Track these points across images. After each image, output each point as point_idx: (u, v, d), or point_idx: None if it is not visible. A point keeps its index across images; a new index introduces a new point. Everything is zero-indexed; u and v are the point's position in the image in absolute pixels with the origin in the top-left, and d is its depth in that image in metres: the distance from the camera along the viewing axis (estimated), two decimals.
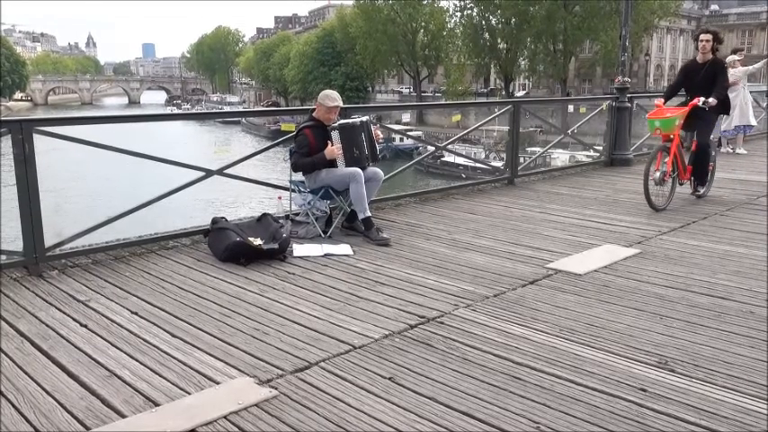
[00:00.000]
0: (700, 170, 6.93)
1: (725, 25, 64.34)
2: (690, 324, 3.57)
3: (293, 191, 5.78)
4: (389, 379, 2.93)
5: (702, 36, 6.85)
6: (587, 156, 16.71)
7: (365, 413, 2.63)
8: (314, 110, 5.63)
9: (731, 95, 10.78)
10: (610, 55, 44.26)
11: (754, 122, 11.18)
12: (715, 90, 6.61)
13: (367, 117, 5.78)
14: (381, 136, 5.99)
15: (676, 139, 6.51)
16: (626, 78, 9.58)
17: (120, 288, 4.20)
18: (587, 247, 5.15)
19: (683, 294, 4.06)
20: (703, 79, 6.74)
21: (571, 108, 11.59)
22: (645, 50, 54.84)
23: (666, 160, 6.47)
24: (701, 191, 7.18)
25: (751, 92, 11.35)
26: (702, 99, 6.53)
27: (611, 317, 3.68)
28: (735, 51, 11.40)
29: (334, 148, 5.39)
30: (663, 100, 6.84)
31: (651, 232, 5.64)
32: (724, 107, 7.00)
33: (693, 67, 6.98)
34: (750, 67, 11.11)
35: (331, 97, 5.55)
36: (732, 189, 7.70)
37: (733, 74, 10.82)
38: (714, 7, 66.88)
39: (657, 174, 6.37)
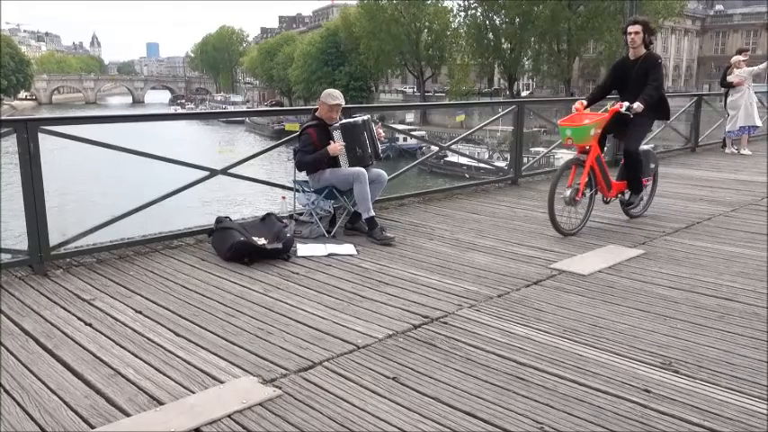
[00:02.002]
0: (633, 183, 5.96)
1: (730, 25, 64.38)
2: (694, 325, 3.56)
3: (297, 191, 5.79)
4: (393, 379, 2.93)
5: (630, 28, 5.80)
6: None
7: (369, 413, 2.63)
8: (317, 109, 5.64)
9: (736, 96, 10.85)
10: (614, 55, 44.12)
11: (759, 123, 11.15)
12: (643, 92, 5.63)
13: (368, 116, 5.78)
14: (383, 135, 5.99)
15: (593, 150, 5.51)
16: None
17: (124, 287, 4.21)
18: (591, 248, 5.15)
19: (688, 295, 4.05)
20: (636, 79, 5.78)
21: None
22: None
23: (581, 176, 5.53)
24: (633, 209, 6.18)
25: (756, 92, 11.30)
26: (626, 104, 5.57)
27: (614, 317, 3.68)
28: (740, 52, 11.36)
29: (337, 145, 5.39)
30: (585, 103, 5.87)
31: (655, 233, 5.63)
32: (661, 112, 5.99)
33: (625, 65, 5.98)
34: (755, 68, 11.07)
35: (333, 96, 5.56)
36: (736, 190, 7.68)
37: (738, 74, 10.82)
38: (719, 7, 66.81)
39: (568, 192, 5.39)
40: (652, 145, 6.49)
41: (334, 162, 5.48)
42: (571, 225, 5.55)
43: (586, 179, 5.49)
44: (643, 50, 5.80)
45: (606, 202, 5.94)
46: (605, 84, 6.19)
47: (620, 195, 5.99)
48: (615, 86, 6.06)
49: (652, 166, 6.20)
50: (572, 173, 5.54)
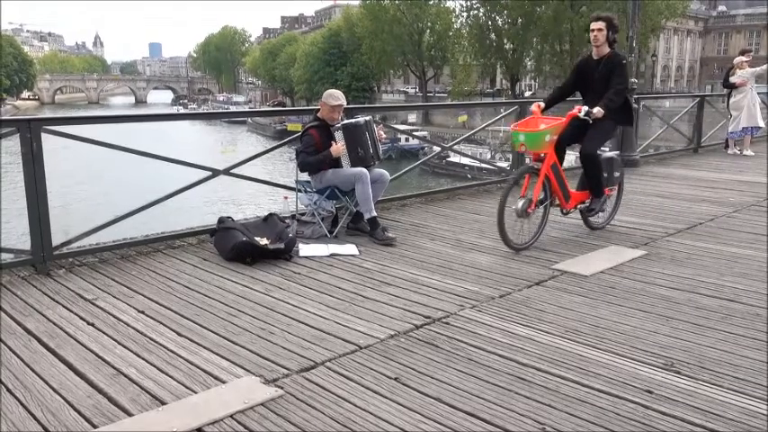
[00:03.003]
0: (593, 187, 5.46)
1: (732, 26, 64.29)
2: (696, 326, 3.56)
3: (299, 191, 5.79)
4: (395, 379, 2.93)
5: (593, 25, 5.33)
6: None
7: (371, 413, 2.63)
8: (318, 110, 5.65)
9: (739, 97, 10.84)
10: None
11: (761, 124, 11.13)
12: (605, 96, 5.17)
13: (370, 117, 5.79)
14: (384, 136, 5.99)
15: (549, 158, 5.09)
16: (633, 79, 9.54)
17: (126, 287, 4.22)
18: (593, 248, 5.14)
19: (690, 296, 4.04)
20: (599, 80, 5.33)
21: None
22: (652, 51, 54.67)
23: (534, 186, 5.07)
24: (593, 218, 5.68)
25: (758, 93, 11.28)
26: (584, 109, 5.11)
27: (616, 318, 3.68)
28: (743, 52, 11.35)
29: (339, 147, 5.40)
30: (542, 105, 5.45)
31: (658, 233, 5.62)
32: (624, 117, 5.49)
33: (587, 65, 5.49)
34: (758, 69, 11.05)
35: (334, 96, 5.57)
36: (739, 191, 7.67)
37: (741, 75, 10.81)
38: (722, 8, 66.70)
39: (521, 203, 4.93)
40: (617, 152, 6.09)
41: (336, 162, 5.48)
42: (523, 239, 5.09)
43: (541, 189, 5.08)
44: (607, 49, 5.34)
45: (564, 214, 5.47)
46: (566, 84, 5.73)
47: (580, 204, 5.52)
48: (577, 87, 5.63)
49: (617, 174, 5.71)
50: (525, 182, 5.09)
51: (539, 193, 5.05)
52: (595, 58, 5.40)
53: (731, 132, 11.17)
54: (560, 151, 5.28)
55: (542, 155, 5.11)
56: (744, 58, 10.99)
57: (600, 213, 5.65)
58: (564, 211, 5.43)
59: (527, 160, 9.39)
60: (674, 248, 5.17)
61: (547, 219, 5.28)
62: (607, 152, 5.89)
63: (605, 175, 5.49)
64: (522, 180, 5.13)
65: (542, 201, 5.17)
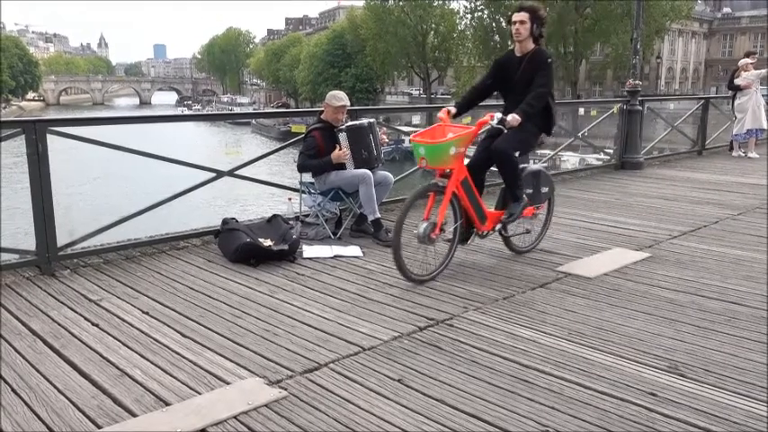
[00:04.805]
0: (509, 188, 4.74)
1: (737, 28, 64.13)
2: (700, 329, 3.55)
3: (303, 192, 5.80)
4: (398, 381, 2.94)
5: (514, 16, 4.59)
6: (597, 159, 16.66)
7: (374, 414, 2.63)
8: (322, 112, 5.66)
9: (743, 99, 10.81)
10: (621, 58, 44.12)
11: (766, 126, 11.10)
12: (525, 100, 4.45)
13: (373, 119, 5.79)
14: (387, 140, 5.99)
15: (457, 173, 4.33)
16: (637, 81, 9.55)
17: (131, 288, 4.23)
18: (597, 251, 5.14)
19: (694, 299, 4.04)
20: (521, 80, 4.60)
21: (582, 111, 11.58)
22: (656, 53, 54.63)
23: (440, 207, 4.33)
24: (518, 240, 4.98)
25: (763, 95, 11.26)
26: (497, 116, 4.40)
27: (620, 320, 3.67)
28: (747, 54, 11.33)
29: (341, 153, 5.42)
30: (452, 111, 4.69)
31: (662, 236, 5.61)
32: (544, 124, 4.72)
33: (509, 62, 4.74)
34: (763, 71, 11.03)
35: (337, 97, 5.58)
36: (743, 193, 7.65)
37: (745, 77, 10.79)
38: (726, 10, 66.55)
39: (422, 227, 4.22)
40: (545, 164, 5.41)
41: (339, 164, 5.49)
42: (426, 268, 4.35)
43: (448, 210, 4.38)
44: (531, 45, 4.63)
45: (482, 237, 4.74)
46: (484, 84, 4.92)
47: (498, 226, 4.78)
48: (496, 88, 4.88)
49: (544, 190, 5.01)
50: (429, 202, 4.34)
51: (444, 216, 4.31)
52: (518, 54, 4.69)
53: (736, 135, 11.15)
54: (478, 178, 4.62)
55: (447, 170, 4.36)
56: (749, 60, 10.97)
57: (525, 236, 5.03)
58: (480, 233, 4.69)
59: (532, 162, 9.40)
60: (678, 251, 5.16)
61: (456, 245, 4.53)
62: (533, 165, 5.18)
63: (530, 190, 4.85)
64: (425, 200, 4.35)
65: (450, 223, 4.45)
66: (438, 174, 4.39)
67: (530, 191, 4.86)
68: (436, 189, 4.36)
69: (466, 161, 4.52)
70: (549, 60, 4.63)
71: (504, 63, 4.80)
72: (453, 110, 4.70)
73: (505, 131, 4.45)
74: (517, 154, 4.67)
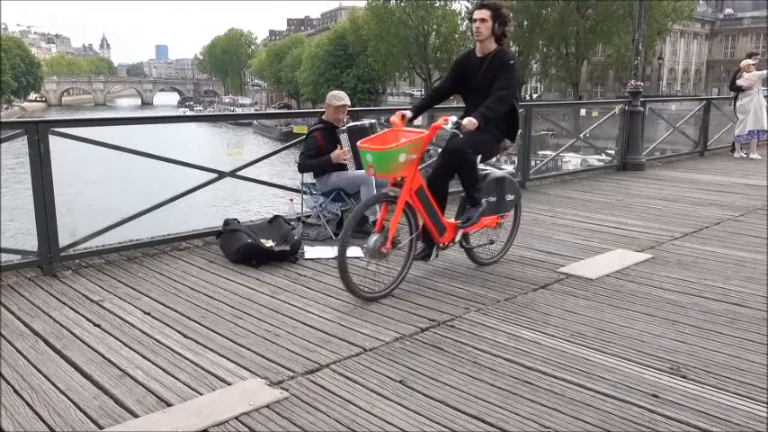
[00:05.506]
0: (466, 190, 4.42)
1: (739, 29, 64.08)
2: (702, 330, 3.55)
3: (305, 193, 5.81)
4: (400, 382, 2.94)
5: (475, 14, 4.29)
6: (599, 160, 16.64)
7: (375, 416, 2.63)
8: (323, 112, 5.67)
9: (745, 100, 10.81)
10: (623, 58, 44.11)
11: None
12: (484, 103, 4.15)
13: (374, 120, 5.80)
14: None
15: (410, 181, 3.99)
16: (639, 82, 9.55)
17: (132, 288, 4.23)
18: (599, 252, 5.13)
19: (696, 300, 4.03)
20: (482, 82, 4.31)
21: (583, 112, 11.57)
22: (658, 54, 54.59)
23: (391, 219, 4.01)
24: (482, 252, 4.68)
25: (765, 96, 11.25)
26: (452, 120, 4.07)
27: (622, 322, 3.67)
28: (749, 55, 11.33)
29: (341, 152, 5.42)
30: (408, 115, 4.36)
31: (664, 237, 5.60)
32: (508, 129, 4.46)
33: (469, 63, 4.46)
34: (765, 72, 11.02)
35: (338, 97, 5.58)
36: (745, 194, 7.64)
37: (747, 78, 10.78)
38: (728, 11, 66.47)
39: (372, 240, 3.91)
40: (511, 169, 5.15)
41: (341, 165, 5.49)
42: (378, 285, 4.03)
43: (401, 221, 4.05)
44: (493, 45, 4.33)
45: (442, 248, 4.40)
46: (443, 86, 4.66)
47: (458, 237, 4.44)
48: (457, 90, 4.60)
49: (510, 198, 4.69)
50: (381, 214, 4.12)
51: (395, 228, 3.99)
52: (479, 55, 4.40)
53: (738, 136, 11.14)
54: (438, 192, 4.33)
55: (399, 179, 4.05)
56: (751, 61, 10.96)
57: (489, 246, 4.72)
58: (440, 245, 4.36)
59: (534, 163, 9.41)
60: (680, 252, 5.15)
61: (412, 258, 4.21)
62: (497, 171, 4.82)
63: (493, 198, 4.57)
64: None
65: (403, 236, 4.16)
66: (390, 183, 4.12)
67: (493, 199, 4.57)
68: (387, 199, 4.08)
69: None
70: (512, 62, 4.34)
71: (464, 64, 4.52)
72: (409, 114, 4.39)
73: (460, 136, 4.14)
74: (479, 159, 4.39)
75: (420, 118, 4.65)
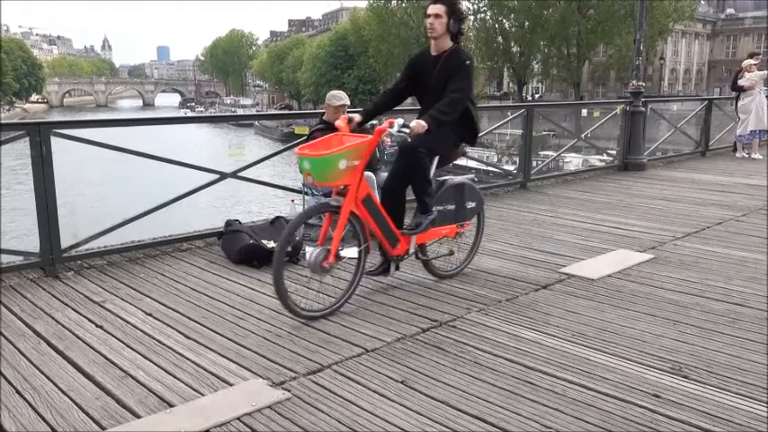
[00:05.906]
0: (416, 194, 4.12)
1: (741, 29, 64.03)
2: (704, 330, 3.55)
3: (306, 194, 5.81)
4: (401, 382, 2.94)
5: (429, 9, 4.00)
6: (601, 160, 16.64)
7: (377, 416, 2.64)
8: (324, 113, 5.67)
9: (747, 100, 10.80)
10: (624, 59, 44.06)
11: None
12: (437, 105, 3.90)
13: (376, 121, 5.79)
14: (389, 142, 5.99)
15: (353, 190, 3.71)
16: (640, 82, 9.55)
17: (134, 289, 4.24)
18: (600, 252, 5.13)
19: (698, 300, 4.03)
20: (437, 83, 4.04)
21: (585, 112, 11.58)
22: (659, 54, 54.56)
23: (335, 230, 3.69)
24: (441, 263, 4.39)
25: (767, 96, 11.24)
26: (399, 122, 3.84)
27: (624, 322, 3.67)
28: (751, 55, 11.32)
29: None
30: (357, 118, 4.16)
31: (665, 237, 5.60)
32: (465, 133, 4.22)
33: (423, 62, 4.19)
34: (766, 72, 11.01)
35: (337, 96, 5.59)
36: (747, 194, 7.63)
37: (749, 78, 10.77)
38: (730, 11, 66.44)
39: (314, 253, 3.62)
40: (472, 175, 4.93)
41: None
42: (321, 302, 3.72)
43: (345, 233, 3.75)
44: (448, 43, 4.06)
45: (398, 260, 4.14)
46: (397, 86, 4.36)
47: (412, 247, 4.14)
48: (412, 91, 4.30)
49: (471, 206, 4.44)
50: (324, 225, 3.81)
51: (339, 240, 3.68)
52: (433, 53, 4.11)
53: (739, 135, 11.13)
54: (395, 202, 4.10)
55: (341, 187, 3.76)
56: (752, 61, 10.95)
57: (449, 258, 4.45)
58: (393, 258, 4.10)
59: (535, 163, 9.40)
60: (681, 252, 5.15)
61: (361, 272, 3.91)
62: (457, 177, 4.56)
63: (452, 206, 4.33)
64: (318, 221, 3.73)
65: (349, 248, 3.87)
66: (334, 191, 3.84)
67: (451, 207, 4.31)
68: (330, 209, 3.77)
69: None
70: (468, 62, 4.03)
71: (418, 63, 4.23)
72: (358, 117, 4.13)
73: (409, 140, 3.89)
74: (434, 165, 4.14)
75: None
